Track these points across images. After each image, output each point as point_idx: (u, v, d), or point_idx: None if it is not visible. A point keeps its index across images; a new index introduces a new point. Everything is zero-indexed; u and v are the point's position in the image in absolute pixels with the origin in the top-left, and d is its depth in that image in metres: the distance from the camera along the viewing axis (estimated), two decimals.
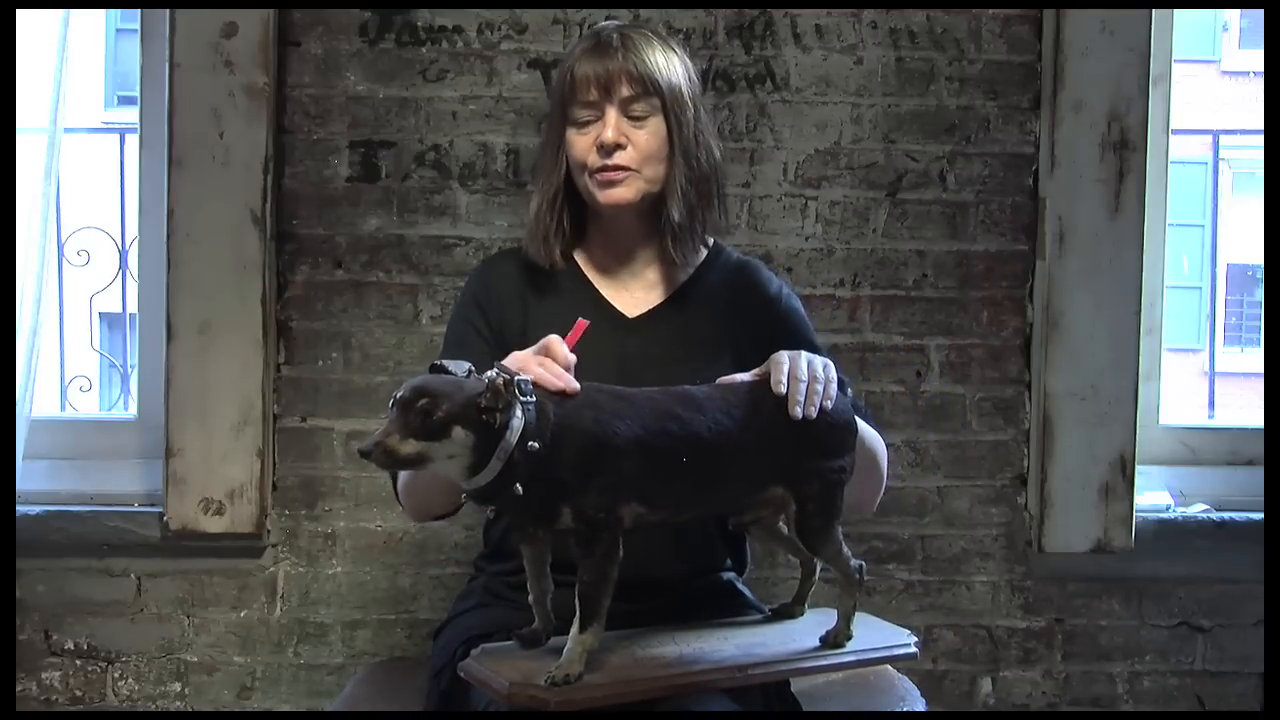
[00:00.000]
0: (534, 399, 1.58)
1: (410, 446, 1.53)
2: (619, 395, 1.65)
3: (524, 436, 1.56)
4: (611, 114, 1.90)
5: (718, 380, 1.73)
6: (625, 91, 1.90)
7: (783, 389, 1.67)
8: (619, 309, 1.98)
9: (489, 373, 1.58)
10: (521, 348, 1.69)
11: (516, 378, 1.58)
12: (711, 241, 2.06)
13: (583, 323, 1.72)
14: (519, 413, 1.56)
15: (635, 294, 2.00)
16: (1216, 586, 2.58)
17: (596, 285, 2.00)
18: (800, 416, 1.66)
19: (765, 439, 1.67)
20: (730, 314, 2.00)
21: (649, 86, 1.91)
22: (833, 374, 1.72)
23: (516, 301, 1.99)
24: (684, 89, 1.94)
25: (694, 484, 1.66)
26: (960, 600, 2.55)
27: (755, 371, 1.73)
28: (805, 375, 1.68)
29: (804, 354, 1.72)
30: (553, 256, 1.98)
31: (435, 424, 1.52)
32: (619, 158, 1.91)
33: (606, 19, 2.43)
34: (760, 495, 1.72)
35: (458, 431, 1.53)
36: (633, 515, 1.63)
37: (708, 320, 1.99)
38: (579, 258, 2.02)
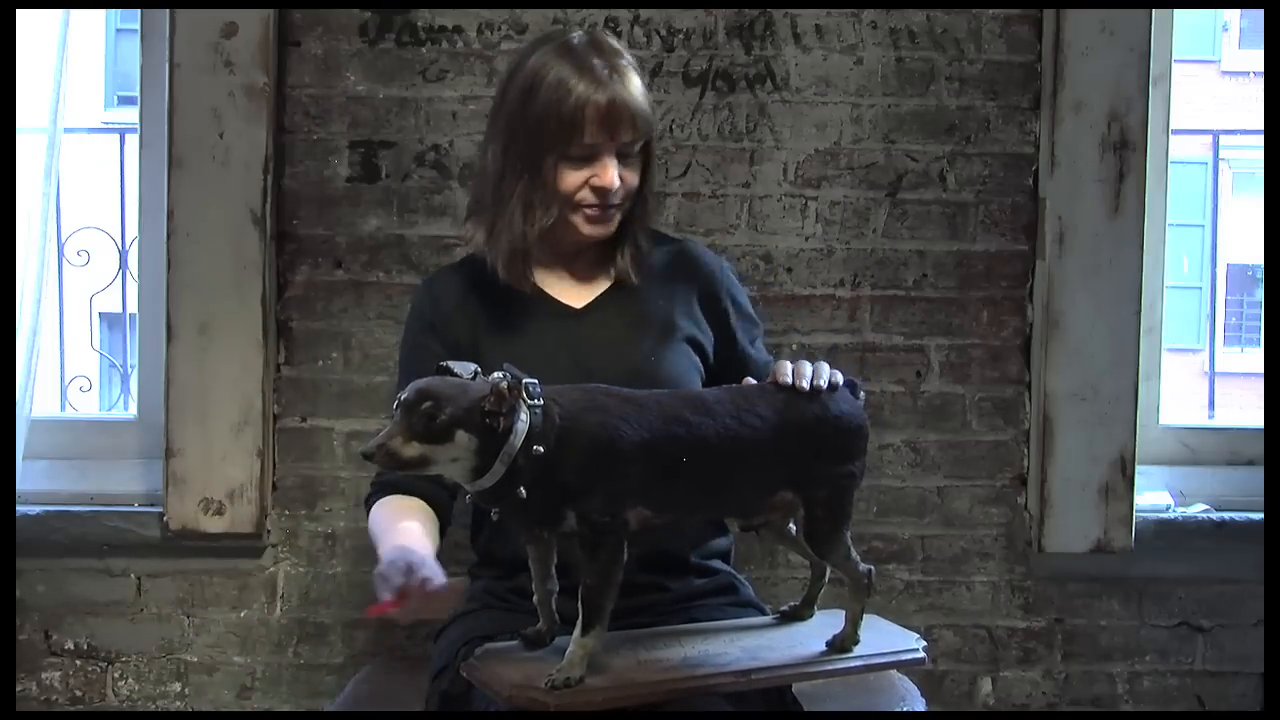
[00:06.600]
0: (541, 402, 1.58)
1: (413, 449, 1.53)
2: (627, 398, 1.64)
3: (528, 440, 1.56)
4: (611, 158, 1.88)
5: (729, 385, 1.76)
6: (627, 136, 1.88)
7: (786, 379, 1.71)
8: (565, 303, 1.99)
9: (495, 375, 1.58)
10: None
11: (524, 380, 1.57)
12: None
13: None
14: (524, 416, 1.56)
15: (580, 288, 2.01)
16: (1216, 586, 2.58)
17: (543, 285, 1.99)
18: (797, 385, 1.71)
19: (775, 444, 1.67)
20: (676, 290, 2.01)
21: (641, 129, 1.90)
22: (827, 370, 1.76)
23: (465, 317, 1.97)
24: (655, 120, 1.94)
25: (701, 488, 1.65)
26: (960, 600, 2.55)
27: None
28: (807, 370, 1.74)
29: (804, 361, 1.76)
30: (532, 279, 1.97)
31: (438, 427, 1.53)
32: (613, 197, 1.90)
33: (606, 20, 2.44)
34: (769, 500, 1.72)
35: (461, 435, 1.53)
36: (638, 519, 1.63)
37: (656, 299, 1.99)
38: None
